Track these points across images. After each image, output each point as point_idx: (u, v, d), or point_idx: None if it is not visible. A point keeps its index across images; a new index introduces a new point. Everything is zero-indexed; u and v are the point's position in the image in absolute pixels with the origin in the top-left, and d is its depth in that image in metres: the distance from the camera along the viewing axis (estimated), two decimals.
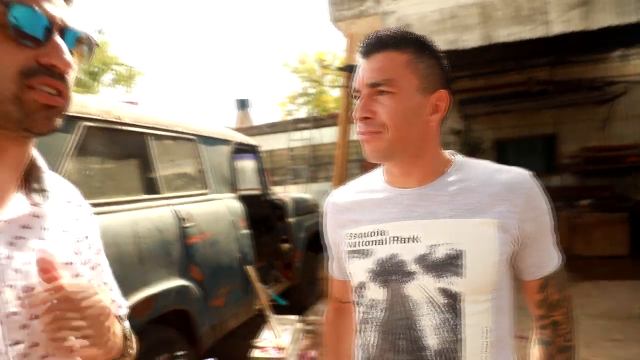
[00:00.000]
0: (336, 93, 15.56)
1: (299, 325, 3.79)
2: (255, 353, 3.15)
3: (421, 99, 0.91)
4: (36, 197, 0.69)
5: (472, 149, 9.02)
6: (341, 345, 1.17)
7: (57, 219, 0.72)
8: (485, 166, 0.98)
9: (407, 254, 0.92)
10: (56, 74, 0.62)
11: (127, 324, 0.82)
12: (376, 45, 0.92)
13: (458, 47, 8.24)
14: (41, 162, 0.73)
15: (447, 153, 1.00)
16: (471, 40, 9.06)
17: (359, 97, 0.93)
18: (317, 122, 11.10)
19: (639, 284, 5.37)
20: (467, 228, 0.89)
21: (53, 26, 0.62)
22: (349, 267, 1.01)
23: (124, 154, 2.81)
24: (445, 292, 0.88)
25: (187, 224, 2.89)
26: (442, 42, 9.23)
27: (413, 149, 0.92)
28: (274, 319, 3.54)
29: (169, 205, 2.88)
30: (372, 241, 0.97)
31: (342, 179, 6.25)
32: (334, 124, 7.01)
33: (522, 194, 0.90)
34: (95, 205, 1.09)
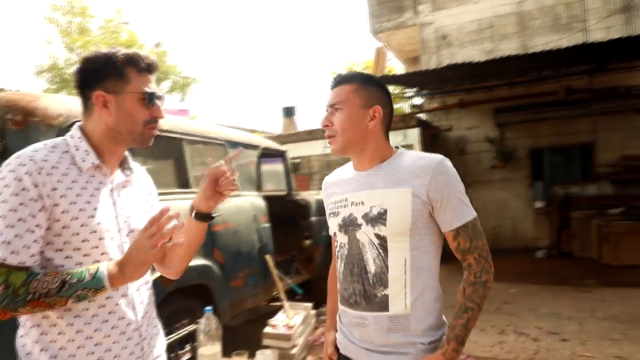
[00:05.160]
0: None
1: (312, 312, 4.24)
2: (267, 329, 3.61)
3: (362, 112, 1.37)
4: (127, 172, 1.32)
5: (506, 157, 9.10)
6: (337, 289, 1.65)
7: (137, 184, 1.36)
8: (413, 155, 1.40)
9: (358, 212, 1.38)
10: (157, 120, 1.24)
11: None
12: (336, 81, 1.43)
13: (495, 56, 8.45)
14: (129, 156, 1.34)
15: (394, 147, 1.45)
16: (508, 49, 9.24)
17: None
18: None
19: None
20: (391, 194, 1.33)
21: (156, 98, 1.23)
22: (329, 223, 1.51)
23: (163, 155, 3.39)
24: (378, 236, 1.33)
25: (213, 214, 3.42)
26: (478, 51, 9.54)
27: (358, 145, 1.39)
28: (287, 303, 4.00)
29: None
30: (340, 205, 1.45)
31: None
32: None
33: (429, 172, 1.31)
34: None
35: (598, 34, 8.55)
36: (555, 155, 9.29)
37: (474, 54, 9.46)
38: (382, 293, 1.32)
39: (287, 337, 3.51)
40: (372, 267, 1.34)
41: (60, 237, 1.11)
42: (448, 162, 1.35)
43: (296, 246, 5.24)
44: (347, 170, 1.51)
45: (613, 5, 8.68)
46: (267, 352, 1.91)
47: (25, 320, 1.15)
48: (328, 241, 5.36)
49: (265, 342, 3.53)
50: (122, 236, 1.22)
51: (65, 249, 1.12)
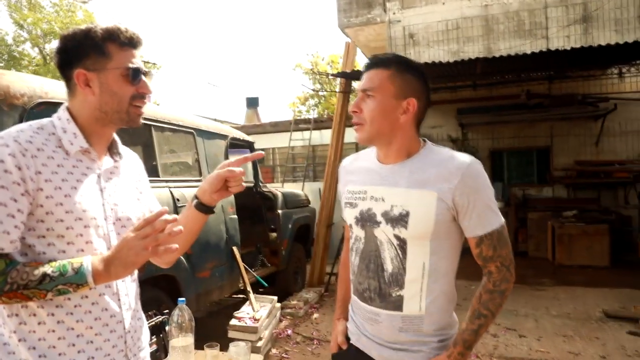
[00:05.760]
0: None
1: (277, 304, 4.21)
2: (233, 321, 3.56)
3: (395, 102, 1.27)
4: (115, 157, 1.24)
5: None
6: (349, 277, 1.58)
7: (126, 170, 1.27)
8: (442, 153, 1.30)
9: (377, 208, 1.31)
10: (145, 95, 1.16)
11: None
12: (371, 62, 1.32)
13: (460, 57, 8.62)
14: (118, 140, 1.26)
15: (422, 141, 1.35)
16: (473, 51, 9.45)
17: None
18: (317, 123, 11.44)
19: (608, 291, 5.69)
20: (414, 196, 1.25)
21: (141, 73, 1.15)
22: (344, 213, 1.44)
23: (130, 142, 3.27)
24: (397, 237, 1.27)
25: (181, 204, 3.33)
26: (444, 51, 9.69)
27: (385, 138, 1.30)
28: (253, 295, 3.96)
29: (166, 187, 3.33)
30: (358, 197, 1.37)
31: (334, 178, 6.59)
32: None
33: (458, 175, 1.22)
34: None
35: (558, 42, 8.85)
36: (514, 157, 9.55)
37: (440, 54, 9.62)
38: (397, 293, 1.29)
39: (253, 330, 3.47)
40: (389, 266, 1.29)
41: (43, 224, 1.04)
42: (478, 165, 1.26)
43: (262, 239, 5.20)
44: (369, 159, 1.42)
45: (573, 15, 9.00)
46: (241, 344, 1.87)
47: (2, 309, 1.07)
48: (294, 235, 5.34)
49: (231, 334, 3.48)
50: (108, 224, 1.15)
51: (48, 236, 1.05)
